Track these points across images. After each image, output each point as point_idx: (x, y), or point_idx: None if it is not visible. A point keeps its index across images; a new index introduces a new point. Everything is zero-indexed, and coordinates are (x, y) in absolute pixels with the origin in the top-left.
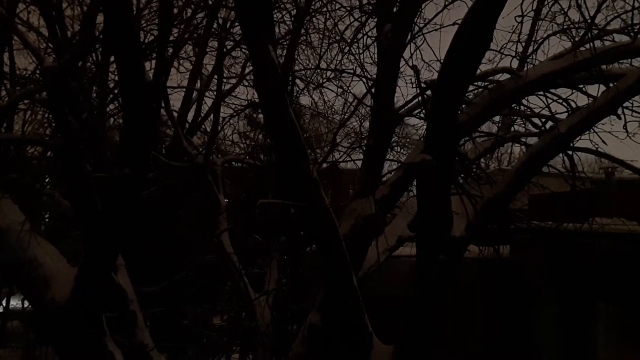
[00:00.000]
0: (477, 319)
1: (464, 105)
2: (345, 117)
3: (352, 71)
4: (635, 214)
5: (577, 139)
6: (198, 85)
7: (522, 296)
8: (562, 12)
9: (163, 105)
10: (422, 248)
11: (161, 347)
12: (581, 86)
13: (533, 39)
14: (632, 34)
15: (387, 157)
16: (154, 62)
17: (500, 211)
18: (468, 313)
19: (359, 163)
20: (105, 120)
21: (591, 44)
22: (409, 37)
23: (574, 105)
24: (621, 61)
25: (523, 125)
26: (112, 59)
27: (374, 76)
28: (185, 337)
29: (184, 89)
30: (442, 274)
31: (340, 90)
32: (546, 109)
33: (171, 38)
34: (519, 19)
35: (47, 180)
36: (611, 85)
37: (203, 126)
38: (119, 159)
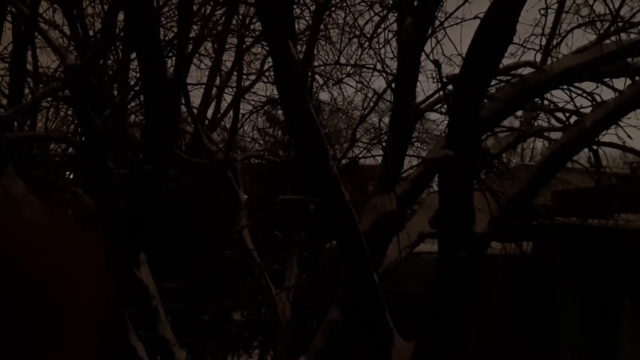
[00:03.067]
0: (500, 316)
1: (486, 100)
2: (365, 112)
3: (372, 66)
4: None
5: (603, 133)
6: (218, 81)
7: (546, 293)
8: (587, 4)
9: (183, 102)
10: (443, 245)
11: (181, 343)
12: (606, 80)
13: (557, 31)
14: None
15: (408, 152)
16: (174, 59)
17: (523, 207)
18: (490, 310)
19: (379, 159)
20: (127, 117)
21: (617, 36)
22: (429, 31)
23: (598, 100)
24: None
25: (546, 120)
26: (133, 56)
27: (394, 71)
28: (206, 332)
29: (204, 86)
30: (464, 270)
31: (359, 85)
32: (570, 103)
33: (191, 35)
34: (542, 12)
35: (70, 177)
36: (637, 78)
37: (222, 123)
38: (141, 155)
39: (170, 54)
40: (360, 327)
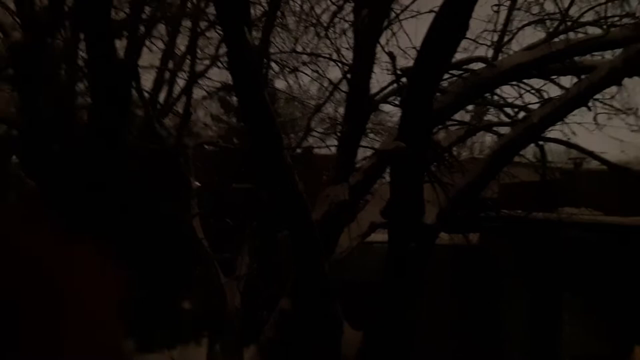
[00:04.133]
0: (446, 304)
1: (438, 94)
2: (321, 102)
3: (328, 56)
4: (602, 204)
5: (549, 129)
6: (171, 65)
7: (491, 283)
8: (537, 2)
9: (134, 85)
10: (393, 235)
11: (130, 331)
12: (554, 77)
13: (508, 28)
14: (604, 26)
15: (362, 143)
16: (125, 40)
17: (471, 200)
18: (437, 298)
19: (334, 149)
20: (75, 99)
21: (565, 35)
22: (385, 23)
23: (546, 96)
24: (593, 53)
25: (496, 115)
26: (82, 36)
27: (351, 62)
28: (155, 321)
29: (156, 69)
30: (413, 261)
31: (315, 75)
32: (519, 99)
33: (144, 16)
34: (495, 8)
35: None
36: (583, 77)
37: (175, 108)
38: (87, 139)
39: (122, 35)
40: (311, 317)
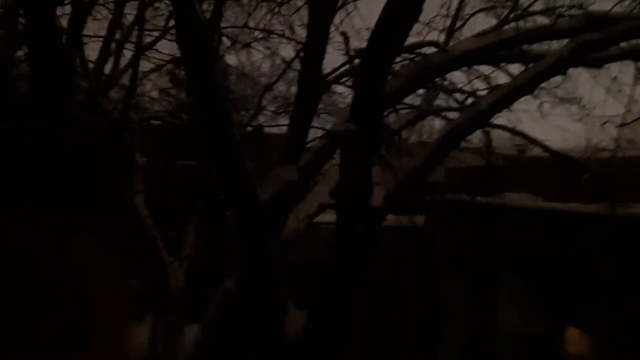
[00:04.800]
0: (389, 284)
1: (389, 77)
2: (273, 80)
3: (281, 32)
4: (543, 191)
5: (496, 116)
6: (118, 36)
7: (435, 265)
8: None
9: (77, 55)
10: (341, 217)
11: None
12: (503, 64)
13: (460, 14)
14: (553, 16)
15: (313, 124)
16: (69, 7)
17: (418, 183)
18: (382, 279)
19: (285, 128)
20: (13, 67)
21: (515, 23)
22: (340, 2)
23: (494, 83)
24: (541, 42)
25: (445, 100)
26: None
27: (304, 40)
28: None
29: (102, 39)
30: (360, 242)
31: (268, 52)
32: (468, 85)
33: None
34: None
35: None
36: (531, 65)
37: (121, 80)
38: (26, 111)
39: (66, 2)
40: (255, 297)
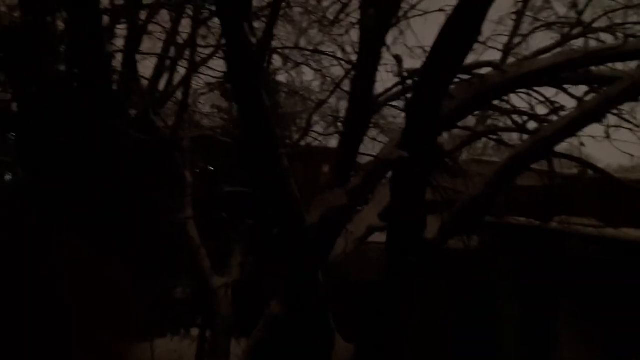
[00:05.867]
0: (440, 308)
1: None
2: (322, 100)
3: (332, 53)
4: (605, 214)
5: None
6: (172, 53)
7: (489, 290)
8: (548, 5)
9: (132, 72)
10: (392, 248)
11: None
12: (566, 86)
13: (518, 31)
14: (618, 33)
15: (363, 144)
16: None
17: (476, 215)
18: (431, 303)
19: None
20: (70, 87)
21: (578, 40)
22: (392, 21)
23: (556, 105)
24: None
25: (502, 120)
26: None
27: (354, 60)
28: (146, 309)
29: (156, 57)
30: (412, 277)
31: (319, 71)
32: (527, 104)
33: (148, 2)
34: (505, 12)
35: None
36: (601, 89)
37: (174, 97)
38: (80, 129)
39: (122, 21)
40: (302, 324)
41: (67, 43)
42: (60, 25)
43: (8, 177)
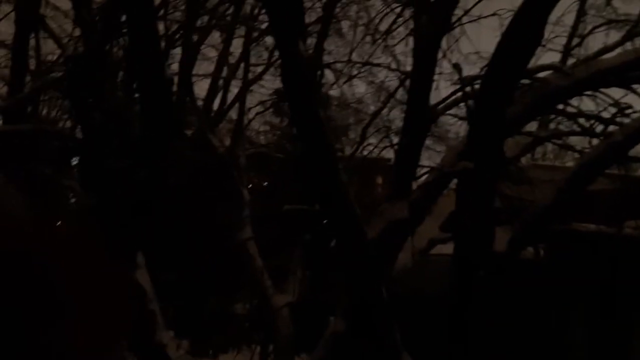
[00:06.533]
0: (506, 323)
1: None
2: (376, 111)
3: (385, 65)
4: None
5: None
6: (225, 73)
7: (558, 301)
8: (609, 3)
9: (187, 93)
10: (459, 262)
11: (183, 335)
12: (634, 86)
13: (577, 31)
14: None
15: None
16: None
17: (546, 225)
18: (498, 314)
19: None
20: (130, 111)
21: None
22: (446, 28)
23: (623, 105)
24: None
25: (565, 124)
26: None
27: (408, 69)
28: (208, 325)
29: (210, 77)
30: (481, 292)
31: (371, 81)
32: (593, 106)
33: (199, 25)
34: (562, 12)
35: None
36: None
37: (229, 115)
38: (138, 154)
39: (177, 44)
40: (366, 343)
41: (127, 69)
42: (118, 52)
43: (73, 200)
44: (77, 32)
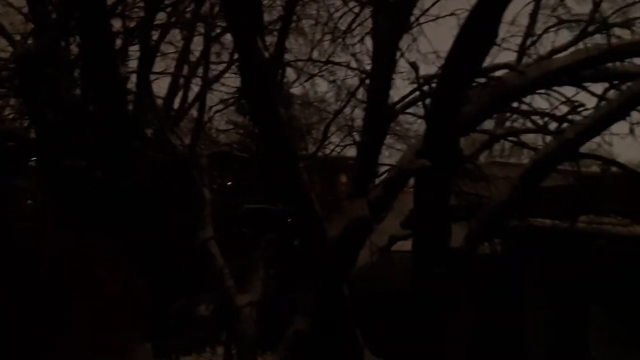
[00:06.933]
0: (467, 315)
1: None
2: (337, 109)
3: (345, 64)
4: (629, 211)
5: None
6: (185, 71)
7: (515, 295)
8: (562, 3)
9: (147, 92)
10: (418, 259)
11: (144, 341)
12: (586, 84)
13: (532, 31)
14: (633, 28)
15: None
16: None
17: (502, 221)
18: (459, 310)
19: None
20: (85, 110)
21: (602, 37)
22: (405, 28)
23: (576, 103)
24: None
25: (520, 122)
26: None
27: (368, 68)
28: (170, 327)
29: (170, 75)
30: (440, 288)
31: (332, 79)
32: (547, 105)
33: (158, 22)
34: (518, 12)
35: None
36: (623, 86)
37: (190, 114)
38: (92, 156)
39: (135, 42)
40: (328, 340)
41: (82, 67)
42: (74, 50)
43: (29, 202)
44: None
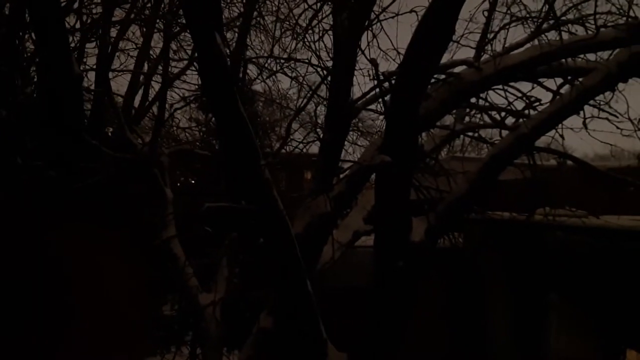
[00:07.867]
0: (429, 308)
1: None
2: (299, 106)
3: (306, 60)
4: (584, 203)
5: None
6: (145, 69)
7: (476, 286)
8: (517, 1)
9: (105, 90)
10: (379, 253)
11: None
12: (541, 80)
13: (490, 28)
14: (587, 24)
15: (344, 150)
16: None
17: (460, 214)
18: (421, 303)
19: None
20: (39, 107)
21: (557, 34)
22: (365, 25)
23: (532, 98)
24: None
25: (480, 118)
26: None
27: (330, 65)
28: (136, 329)
29: (130, 73)
30: (401, 281)
31: (294, 75)
32: (505, 102)
33: (117, 19)
34: (475, 9)
35: None
36: (576, 81)
37: (151, 112)
38: (47, 155)
39: (94, 38)
40: (293, 336)
41: (37, 65)
42: (30, 46)
43: None
44: None
